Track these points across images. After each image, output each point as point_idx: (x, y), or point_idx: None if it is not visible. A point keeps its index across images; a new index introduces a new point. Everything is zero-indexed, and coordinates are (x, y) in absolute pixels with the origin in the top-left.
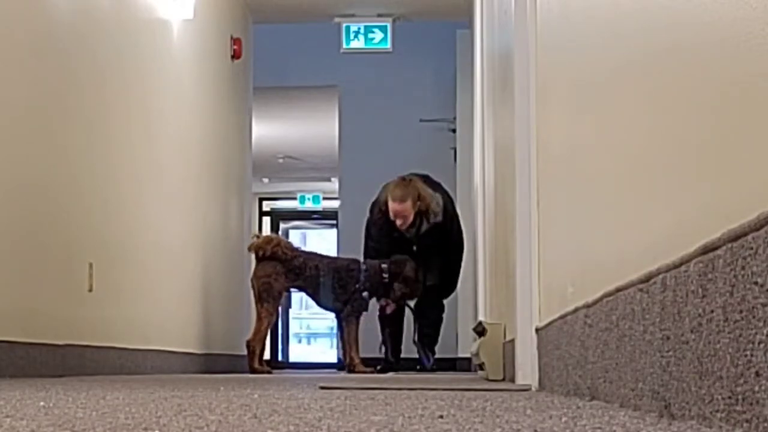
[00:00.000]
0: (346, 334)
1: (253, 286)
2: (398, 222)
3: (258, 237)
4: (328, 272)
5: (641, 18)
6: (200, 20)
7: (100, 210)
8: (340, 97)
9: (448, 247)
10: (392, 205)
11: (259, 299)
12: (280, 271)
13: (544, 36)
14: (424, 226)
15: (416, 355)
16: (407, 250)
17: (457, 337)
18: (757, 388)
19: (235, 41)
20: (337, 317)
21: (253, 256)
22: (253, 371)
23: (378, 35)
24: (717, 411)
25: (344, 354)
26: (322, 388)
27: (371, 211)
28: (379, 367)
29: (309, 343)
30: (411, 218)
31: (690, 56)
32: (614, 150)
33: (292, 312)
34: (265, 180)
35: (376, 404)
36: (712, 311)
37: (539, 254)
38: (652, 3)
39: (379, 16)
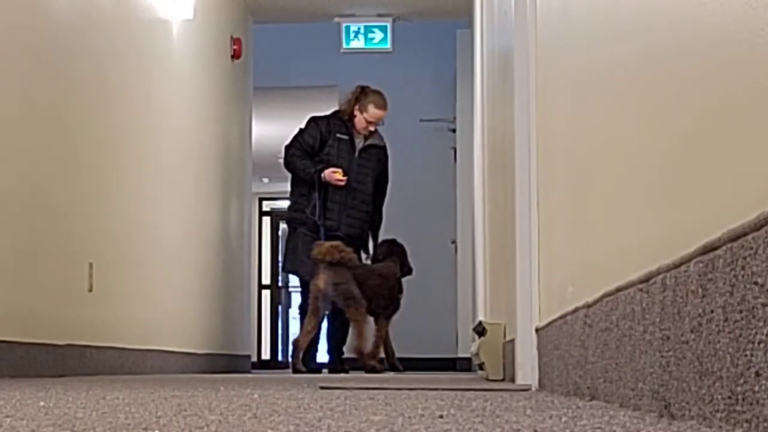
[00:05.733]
0: (378, 330)
1: (324, 294)
2: (371, 128)
3: (321, 245)
4: (382, 280)
5: (641, 18)
6: (200, 20)
7: (100, 210)
8: (340, 97)
9: (384, 181)
10: (376, 112)
11: (348, 306)
12: (350, 277)
13: (544, 36)
14: (370, 140)
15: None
16: (348, 155)
17: (457, 337)
18: (757, 388)
19: (235, 41)
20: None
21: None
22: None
23: (378, 35)
24: (717, 411)
25: (360, 346)
26: (322, 388)
27: (318, 119)
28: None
29: None
30: (373, 129)
31: (689, 56)
32: (614, 150)
33: (292, 312)
34: (265, 180)
35: (376, 404)
36: (712, 311)
37: (539, 254)
38: (652, 3)
39: (379, 16)
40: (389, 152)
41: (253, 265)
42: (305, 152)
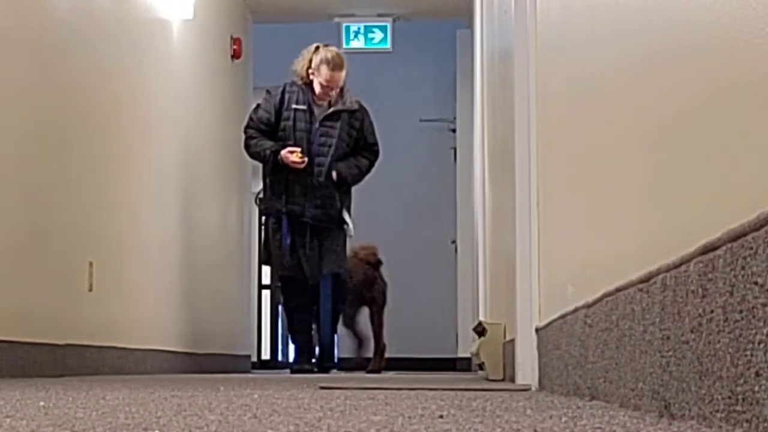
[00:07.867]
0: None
1: None
2: (330, 92)
3: None
4: None
5: (641, 18)
6: (200, 20)
7: (100, 209)
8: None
9: (365, 145)
10: (328, 73)
11: None
12: None
13: (544, 36)
14: (337, 105)
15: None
16: (307, 125)
17: (457, 337)
18: (757, 388)
19: (235, 41)
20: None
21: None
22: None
23: (378, 35)
24: (717, 411)
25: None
26: (322, 388)
27: (273, 90)
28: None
29: None
30: (335, 94)
31: (690, 56)
32: (614, 150)
33: None
34: None
35: (376, 404)
36: (712, 311)
37: (539, 254)
38: (652, 3)
39: (379, 16)
40: (372, 118)
41: (252, 264)
42: (261, 131)
